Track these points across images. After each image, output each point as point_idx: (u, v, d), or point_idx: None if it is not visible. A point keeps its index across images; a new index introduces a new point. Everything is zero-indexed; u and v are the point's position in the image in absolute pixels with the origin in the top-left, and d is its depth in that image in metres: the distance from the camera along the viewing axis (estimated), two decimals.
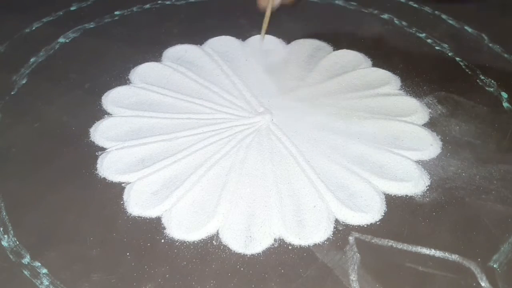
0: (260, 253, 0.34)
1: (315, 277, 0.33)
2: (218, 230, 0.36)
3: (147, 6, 0.58)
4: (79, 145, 0.42)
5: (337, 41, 0.52)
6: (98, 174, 0.39)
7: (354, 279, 0.33)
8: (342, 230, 0.36)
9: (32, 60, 0.50)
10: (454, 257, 0.34)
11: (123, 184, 0.39)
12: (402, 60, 0.50)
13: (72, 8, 0.58)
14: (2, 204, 0.38)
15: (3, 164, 0.41)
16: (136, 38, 0.53)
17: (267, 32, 0.50)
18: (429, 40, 0.54)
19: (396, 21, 0.56)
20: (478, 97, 0.47)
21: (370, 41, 0.53)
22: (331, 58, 0.50)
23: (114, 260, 0.34)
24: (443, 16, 0.57)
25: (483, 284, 0.33)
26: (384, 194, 0.38)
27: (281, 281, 0.33)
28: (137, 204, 0.37)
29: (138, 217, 0.37)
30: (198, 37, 0.53)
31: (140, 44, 0.52)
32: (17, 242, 0.35)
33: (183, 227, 0.36)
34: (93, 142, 0.42)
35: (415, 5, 0.59)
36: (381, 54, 0.51)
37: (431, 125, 0.44)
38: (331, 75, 0.48)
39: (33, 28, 0.55)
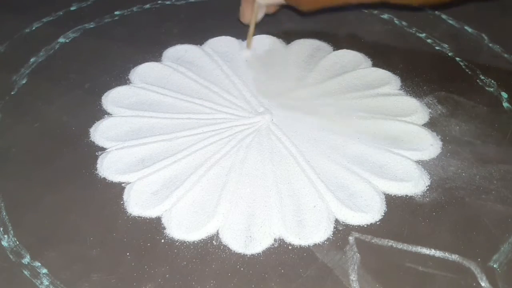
0: (260, 253, 0.34)
1: (315, 277, 0.33)
2: (218, 230, 0.36)
3: (147, 6, 0.58)
4: (79, 145, 0.42)
5: (337, 41, 0.52)
6: (98, 174, 0.40)
7: (354, 279, 0.33)
8: (342, 230, 0.36)
9: (32, 60, 0.50)
10: (454, 257, 0.34)
11: (123, 184, 0.39)
12: (402, 60, 0.50)
13: (72, 8, 0.58)
14: (2, 204, 0.38)
15: (3, 164, 0.41)
16: (136, 38, 0.53)
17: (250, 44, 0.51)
18: (429, 40, 0.54)
19: (396, 21, 0.56)
20: (478, 97, 0.47)
21: (370, 41, 0.53)
22: (331, 58, 0.50)
23: (114, 260, 0.34)
24: (443, 16, 0.57)
25: (483, 284, 0.33)
26: (384, 194, 0.38)
27: (281, 281, 0.33)
28: (137, 204, 0.37)
29: (138, 217, 0.37)
30: (198, 37, 0.53)
31: (140, 44, 0.52)
32: (17, 242, 0.35)
33: (183, 227, 0.36)
34: (93, 142, 0.42)
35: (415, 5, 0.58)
36: (381, 54, 0.51)
37: (431, 125, 0.44)
38: (331, 75, 0.48)
39: (33, 28, 0.55)
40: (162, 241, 0.35)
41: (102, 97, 0.46)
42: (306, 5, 0.49)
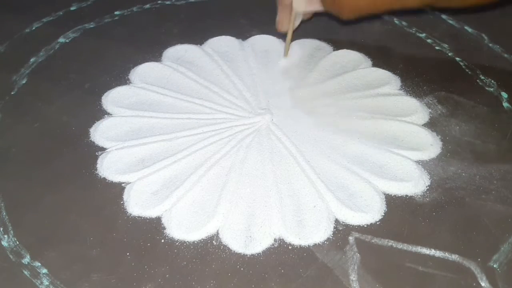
0: (260, 253, 0.34)
1: (315, 277, 0.33)
2: (218, 230, 0.36)
3: (147, 6, 0.58)
4: (79, 145, 0.42)
5: (337, 41, 0.52)
6: (98, 174, 0.39)
7: (354, 279, 0.33)
8: (342, 230, 0.36)
9: (32, 60, 0.50)
10: (454, 257, 0.34)
11: (123, 184, 0.39)
12: (402, 60, 0.50)
13: (72, 8, 0.58)
14: (2, 204, 0.38)
15: (3, 164, 0.41)
16: (136, 38, 0.53)
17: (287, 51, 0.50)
18: (429, 40, 0.54)
19: (396, 21, 0.56)
20: (478, 97, 0.47)
21: (370, 41, 0.53)
22: (331, 58, 0.50)
23: (114, 260, 0.34)
24: (443, 16, 0.57)
25: (483, 284, 0.33)
26: (384, 194, 0.38)
27: (281, 281, 0.33)
28: (137, 204, 0.37)
29: (138, 217, 0.37)
30: (198, 37, 0.53)
31: (140, 44, 0.52)
32: (17, 242, 0.35)
33: (183, 227, 0.36)
34: (93, 142, 0.42)
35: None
36: (381, 54, 0.51)
37: (431, 125, 0.44)
38: (331, 75, 0.48)
39: (33, 28, 0.55)
40: (162, 241, 0.35)
41: (102, 97, 0.46)
42: (347, 13, 0.47)
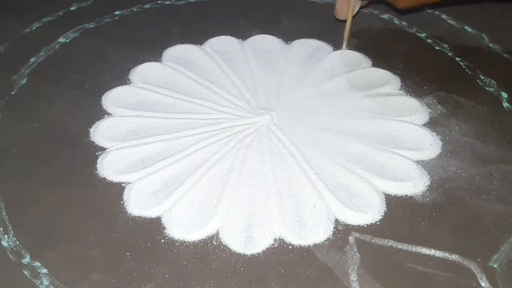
0: (260, 253, 0.34)
1: (315, 277, 0.33)
2: (218, 230, 0.36)
3: (147, 6, 0.58)
4: (79, 145, 0.42)
5: (337, 41, 0.52)
6: (98, 174, 0.39)
7: (354, 279, 0.33)
8: (342, 230, 0.36)
9: (32, 60, 0.50)
10: (454, 257, 0.34)
11: (123, 184, 0.39)
12: (402, 60, 0.50)
13: (72, 8, 0.58)
14: (2, 204, 0.38)
15: (3, 164, 0.41)
16: (136, 38, 0.53)
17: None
18: (429, 40, 0.54)
19: (396, 21, 0.56)
20: (478, 97, 0.47)
21: (370, 41, 0.53)
22: (331, 58, 0.50)
23: (114, 260, 0.34)
24: (443, 16, 0.57)
25: (483, 284, 0.33)
26: (384, 194, 0.38)
27: (281, 281, 0.33)
28: (137, 204, 0.37)
29: (138, 217, 0.37)
30: (198, 37, 0.53)
31: (140, 44, 0.52)
32: (17, 242, 0.35)
33: (183, 227, 0.36)
34: (93, 142, 0.42)
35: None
36: (381, 54, 0.51)
37: (431, 125, 0.44)
38: (331, 75, 0.48)
39: (33, 28, 0.55)
40: (162, 241, 0.35)
41: (102, 97, 0.46)
42: (403, 1, 0.49)
